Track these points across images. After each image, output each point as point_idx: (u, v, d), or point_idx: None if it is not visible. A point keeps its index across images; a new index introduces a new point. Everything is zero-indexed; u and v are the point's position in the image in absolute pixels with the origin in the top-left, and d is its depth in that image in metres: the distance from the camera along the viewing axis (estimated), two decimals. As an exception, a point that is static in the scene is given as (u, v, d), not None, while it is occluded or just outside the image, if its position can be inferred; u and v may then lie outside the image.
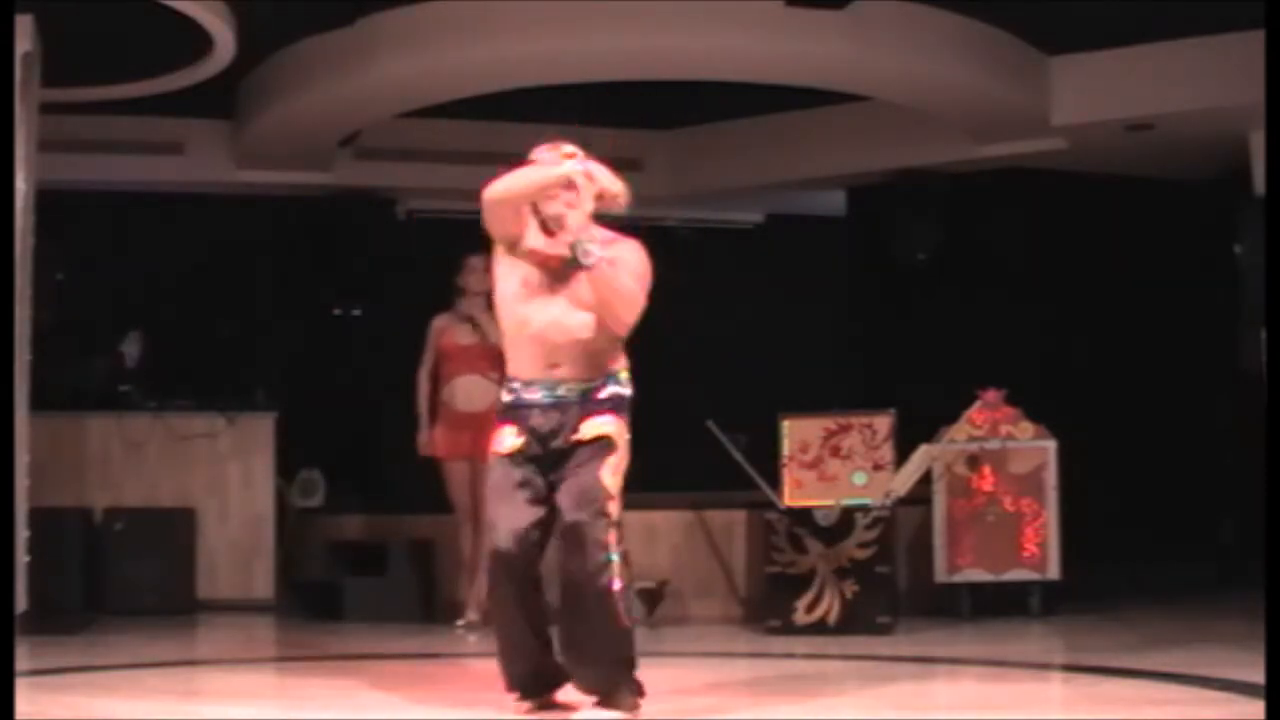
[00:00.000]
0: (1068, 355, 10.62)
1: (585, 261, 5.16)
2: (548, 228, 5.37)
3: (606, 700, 5.17)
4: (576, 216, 5.24)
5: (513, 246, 5.38)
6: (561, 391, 5.28)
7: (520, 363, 5.36)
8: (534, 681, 5.40)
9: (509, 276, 5.40)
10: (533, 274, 5.35)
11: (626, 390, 5.37)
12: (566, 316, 5.28)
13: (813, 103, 10.43)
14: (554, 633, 5.29)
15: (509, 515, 5.24)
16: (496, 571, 5.27)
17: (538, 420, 5.27)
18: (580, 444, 5.23)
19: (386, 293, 10.98)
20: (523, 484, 5.26)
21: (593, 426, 5.24)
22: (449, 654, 7.51)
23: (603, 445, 5.22)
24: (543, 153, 5.38)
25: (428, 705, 5.62)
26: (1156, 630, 7.80)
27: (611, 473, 5.20)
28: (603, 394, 5.30)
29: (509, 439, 5.32)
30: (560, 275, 5.31)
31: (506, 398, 5.39)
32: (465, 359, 8.58)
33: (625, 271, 5.27)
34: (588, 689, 5.24)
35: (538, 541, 5.25)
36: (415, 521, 9.45)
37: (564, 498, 5.19)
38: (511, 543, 5.19)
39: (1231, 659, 6.12)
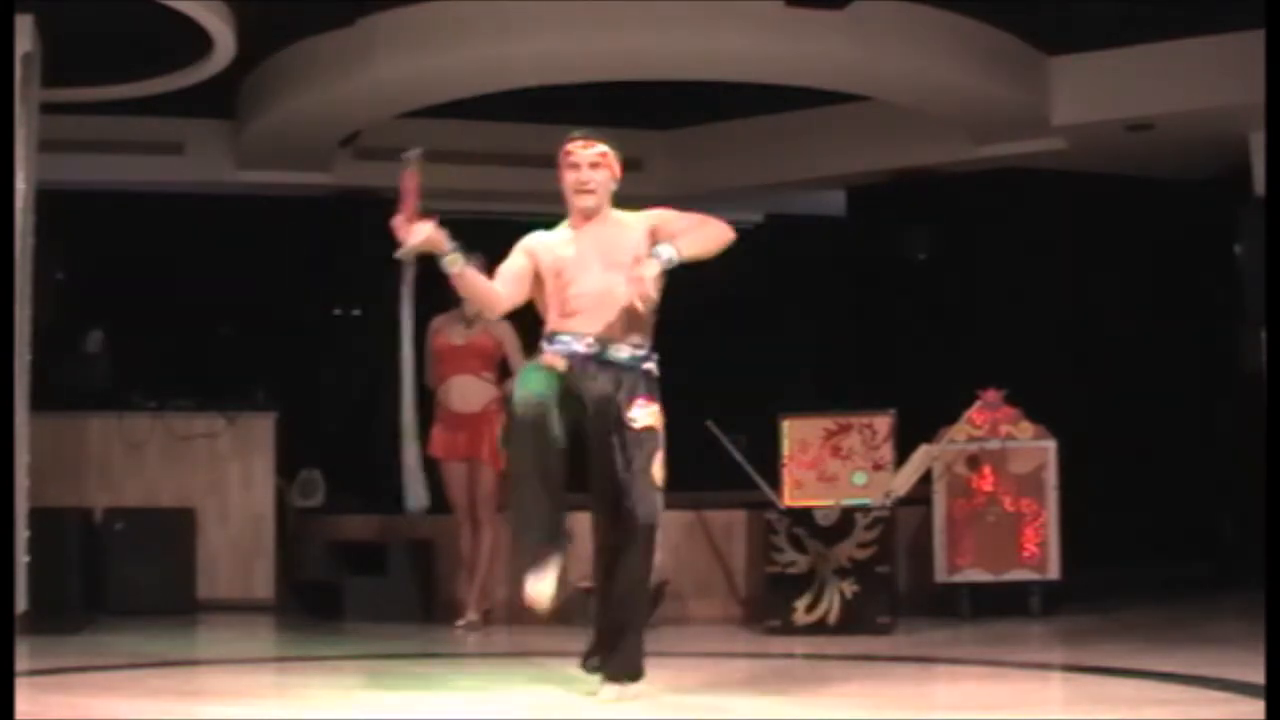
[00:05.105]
0: (1068, 355, 10.61)
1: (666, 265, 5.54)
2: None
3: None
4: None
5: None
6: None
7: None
8: None
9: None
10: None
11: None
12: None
13: (813, 103, 10.43)
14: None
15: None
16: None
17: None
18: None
19: (386, 293, 10.95)
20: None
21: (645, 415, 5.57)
22: (449, 654, 7.51)
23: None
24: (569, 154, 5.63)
25: (427, 705, 5.62)
26: (1157, 630, 7.79)
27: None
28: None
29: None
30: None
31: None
32: (458, 359, 8.54)
33: (679, 221, 5.80)
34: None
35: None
36: (415, 521, 9.43)
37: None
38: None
39: (1231, 659, 6.11)
